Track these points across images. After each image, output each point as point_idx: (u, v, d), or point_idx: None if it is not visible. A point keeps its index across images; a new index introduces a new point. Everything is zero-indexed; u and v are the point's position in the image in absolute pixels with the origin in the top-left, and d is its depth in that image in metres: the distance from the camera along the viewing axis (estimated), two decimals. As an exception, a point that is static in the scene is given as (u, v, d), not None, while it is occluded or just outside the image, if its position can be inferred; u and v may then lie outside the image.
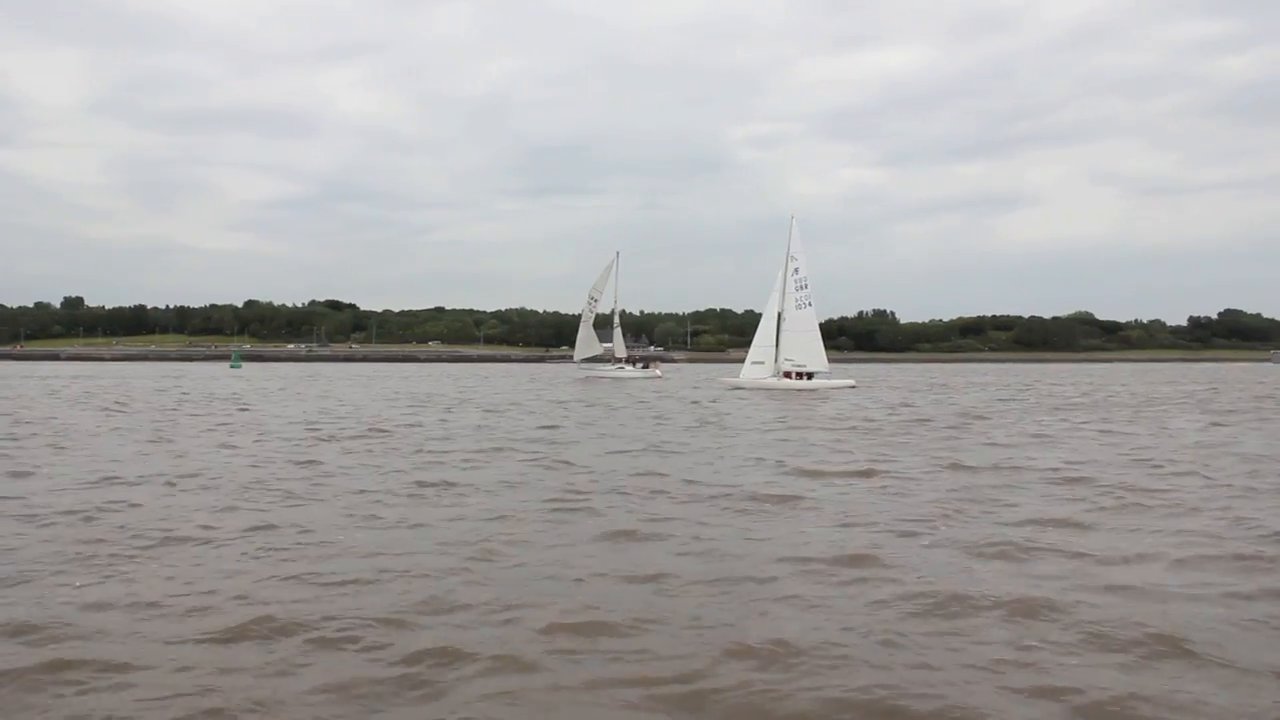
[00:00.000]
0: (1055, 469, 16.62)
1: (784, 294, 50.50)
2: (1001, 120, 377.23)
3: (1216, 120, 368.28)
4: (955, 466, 16.86)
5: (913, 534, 10.78)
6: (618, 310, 73.09)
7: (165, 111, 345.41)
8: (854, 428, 25.35)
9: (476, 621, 7.36)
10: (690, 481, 14.83)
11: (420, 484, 14.44)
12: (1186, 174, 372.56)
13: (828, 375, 50.74)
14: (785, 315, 50.40)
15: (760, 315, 53.77)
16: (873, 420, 28.17)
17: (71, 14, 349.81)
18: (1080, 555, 9.65)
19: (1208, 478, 15.36)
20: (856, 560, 9.36)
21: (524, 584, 8.51)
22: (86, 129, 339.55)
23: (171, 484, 14.48)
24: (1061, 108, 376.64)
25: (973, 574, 8.86)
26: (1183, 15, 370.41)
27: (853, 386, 50.64)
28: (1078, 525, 11.28)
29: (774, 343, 50.70)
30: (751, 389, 48.77)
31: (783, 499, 13.15)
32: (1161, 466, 17.05)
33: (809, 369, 49.74)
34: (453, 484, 14.49)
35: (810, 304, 50.07)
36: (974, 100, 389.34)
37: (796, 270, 50.32)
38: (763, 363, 51.03)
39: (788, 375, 49.76)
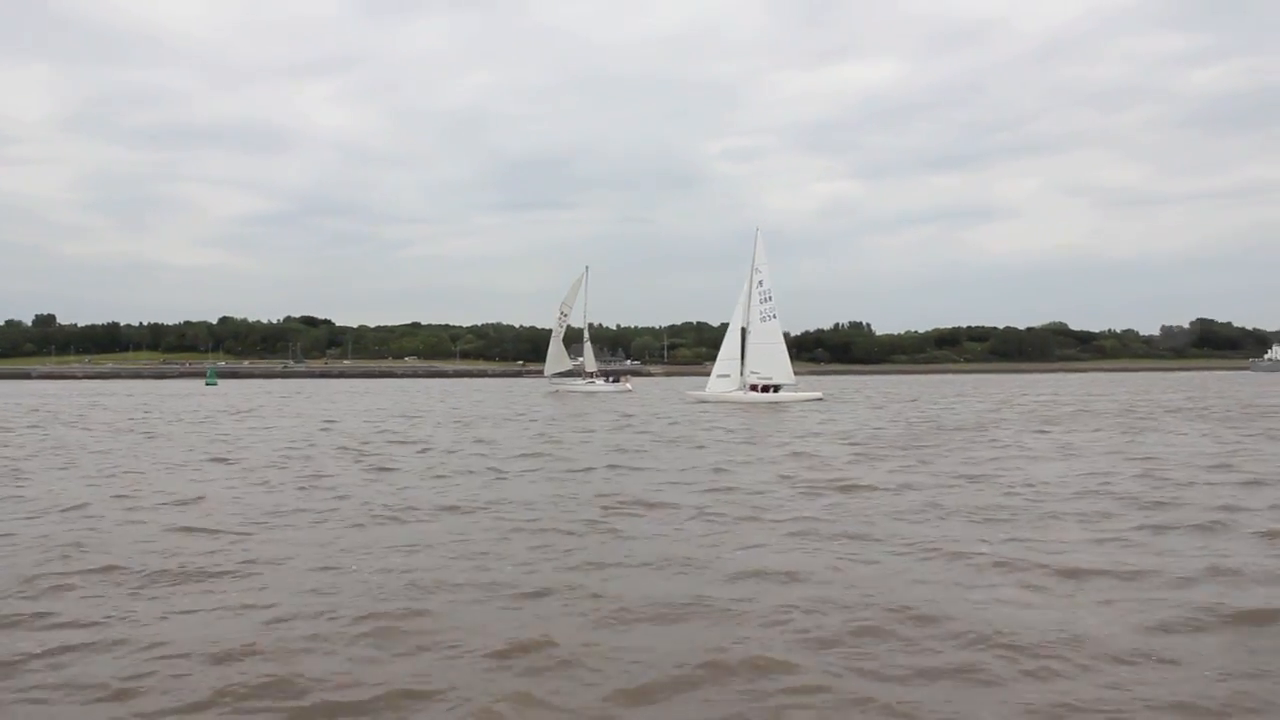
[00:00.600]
0: (1068, 482, 16.51)
1: (749, 306, 50.61)
2: (976, 133, 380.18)
3: (1186, 132, 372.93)
4: (973, 479, 16.78)
5: (965, 555, 10.44)
6: (587, 324, 73.31)
7: (139, 127, 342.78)
8: (860, 444, 25.03)
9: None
10: (701, 509, 14.11)
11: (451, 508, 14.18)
12: (1158, 185, 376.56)
13: (794, 388, 50.75)
14: (750, 328, 50.46)
15: (736, 329, 53.64)
16: (877, 435, 27.91)
17: (42, 28, 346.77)
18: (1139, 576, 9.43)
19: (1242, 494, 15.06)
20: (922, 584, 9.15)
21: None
22: (59, 145, 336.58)
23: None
24: (1034, 120, 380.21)
25: (1037, 608, 8.39)
26: (1152, 29, 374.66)
27: (820, 399, 50.65)
28: (1126, 542, 11.10)
29: (739, 355, 50.77)
30: (717, 402, 48.79)
31: (821, 520, 12.90)
32: (1172, 477, 16.92)
33: (775, 381, 49.75)
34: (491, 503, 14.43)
35: (775, 316, 50.12)
36: (948, 113, 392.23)
37: (761, 282, 50.40)
38: (728, 375, 51.07)
39: (754, 388, 49.75)
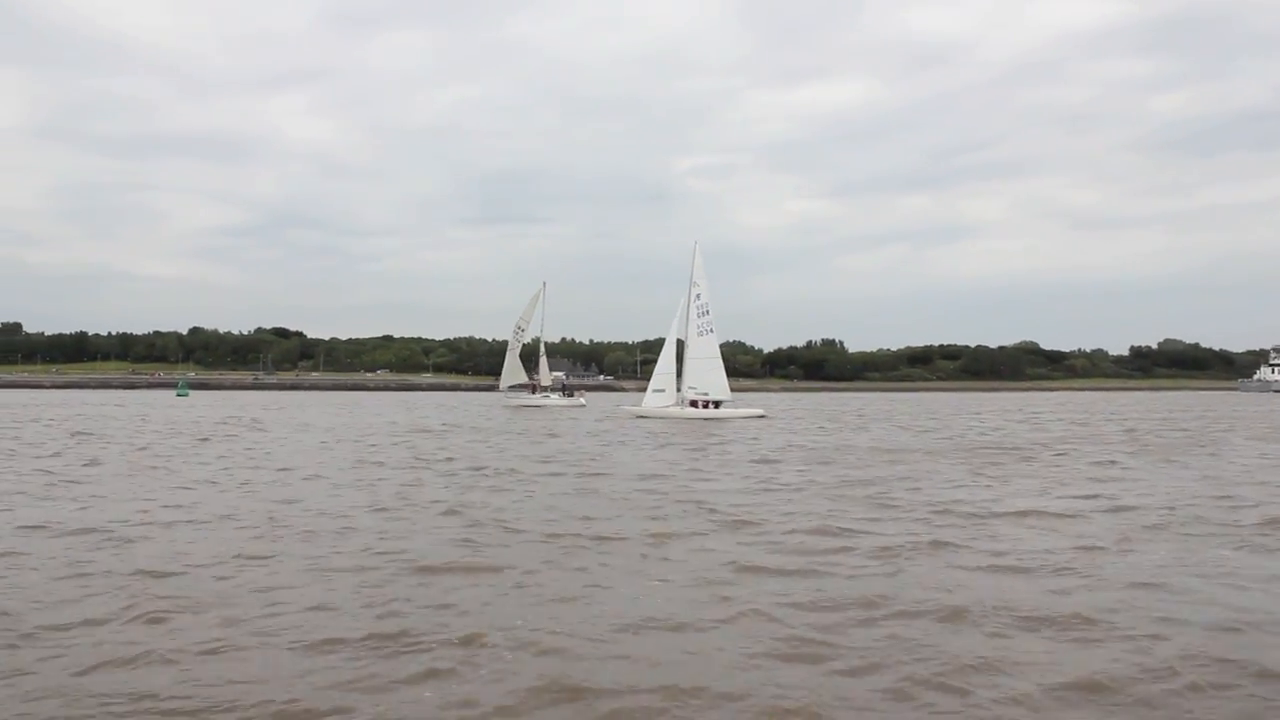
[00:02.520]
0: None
1: (686, 321, 50.78)
2: (945, 154, 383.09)
3: (1152, 155, 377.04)
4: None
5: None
6: (543, 339, 74.45)
7: (109, 136, 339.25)
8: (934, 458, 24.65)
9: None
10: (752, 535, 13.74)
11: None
12: (1125, 208, 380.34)
13: (732, 404, 50.99)
14: (688, 343, 50.66)
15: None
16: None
17: (11, 35, 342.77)
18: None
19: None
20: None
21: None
22: (28, 152, 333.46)
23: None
24: (1003, 142, 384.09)
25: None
26: (1118, 54, 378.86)
27: (761, 416, 50.67)
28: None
29: (675, 370, 50.95)
30: (656, 418, 48.75)
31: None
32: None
33: (713, 397, 49.87)
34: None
35: (712, 330, 50.32)
36: (918, 134, 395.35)
37: (699, 296, 50.56)
38: (664, 390, 51.15)
39: (694, 404, 49.83)
